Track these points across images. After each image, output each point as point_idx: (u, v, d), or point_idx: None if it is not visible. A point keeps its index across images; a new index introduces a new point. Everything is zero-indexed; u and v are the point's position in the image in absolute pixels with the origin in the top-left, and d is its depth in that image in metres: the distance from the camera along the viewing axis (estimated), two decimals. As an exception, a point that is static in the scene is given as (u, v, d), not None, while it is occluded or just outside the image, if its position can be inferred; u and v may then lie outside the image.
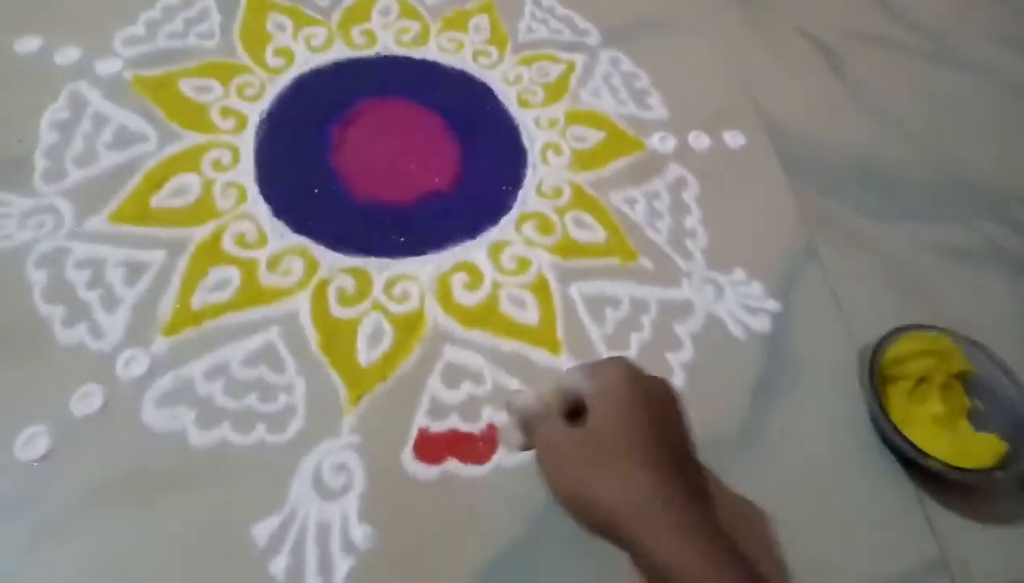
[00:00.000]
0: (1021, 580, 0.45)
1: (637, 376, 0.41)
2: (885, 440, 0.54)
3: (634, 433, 0.38)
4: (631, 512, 0.36)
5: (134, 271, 0.54)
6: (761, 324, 0.58)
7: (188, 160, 0.60)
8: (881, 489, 0.52)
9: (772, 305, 0.59)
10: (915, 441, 0.51)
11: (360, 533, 0.46)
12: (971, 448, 0.53)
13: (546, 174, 0.64)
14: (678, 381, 0.55)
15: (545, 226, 0.61)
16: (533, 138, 0.66)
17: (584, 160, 0.65)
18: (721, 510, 0.40)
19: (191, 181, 0.59)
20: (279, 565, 0.44)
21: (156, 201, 0.58)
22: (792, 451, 0.53)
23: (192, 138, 0.62)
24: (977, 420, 0.54)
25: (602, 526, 0.38)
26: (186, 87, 0.64)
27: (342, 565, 0.45)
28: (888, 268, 0.63)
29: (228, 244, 0.56)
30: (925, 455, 0.50)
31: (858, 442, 0.54)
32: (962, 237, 0.67)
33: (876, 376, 0.54)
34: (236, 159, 0.61)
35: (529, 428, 0.41)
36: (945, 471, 0.50)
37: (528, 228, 0.60)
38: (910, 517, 0.51)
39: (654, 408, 0.40)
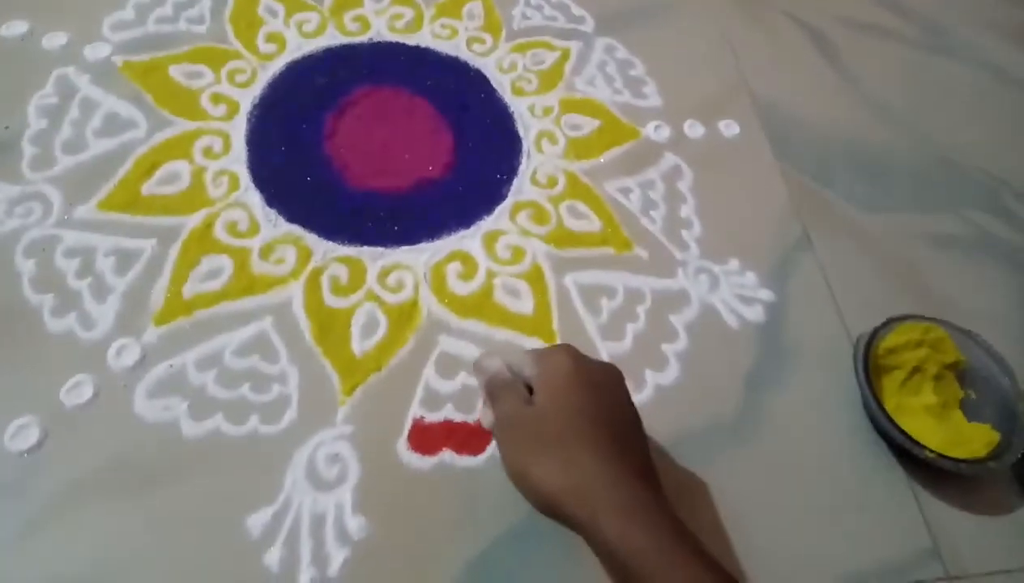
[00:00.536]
0: None
1: (581, 362, 0.41)
2: (878, 430, 0.54)
3: (575, 417, 0.39)
4: (571, 494, 0.37)
5: (124, 260, 0.54)
6: (755, 314, 0.58)
7: (179, 147, 0.59)
8: (874, 479, 0.52)
9: (766, 295, 0.59)
10: (908, 431, 0.51)
11: (355, 524, 0.46)
12: (964, 438, 0.53)
13: (541, 162, 0.64)
14: (672, 371, 0.54)
15: (540, 215, 0.60)
16: (527, 126, 0.66)
17: (579, 148, 0.65)
18: (673, 492, 0.40)
19: (182, 168, 0.58)
20: (273, 557, 0.44)
21: (146, 189, 0.57)
22: (786, 440, 0.53)
23: (183, 125, 0.61)
24: (970, 410, 0.55)
25: (546, 507, 0.38)
26: (176, 73, 0.64)
27: (337, 556, 0.45)
28: (881, 257, 0.63)
29: (220, 232, 0.56)
30: (919, 445, 0.50)
31: (851, 432, 0.54)
32: (954, 226, 0.67)
33: (870, 366, 0.54)
34: (228, 146, 0.60)
35: (493, 394, 0.42)
36: (938, 461, 0.50)
37: (523, 217, 0.60)
38: (903, 507, 0.52)
39: (598, 394, 0.40)
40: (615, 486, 0.37)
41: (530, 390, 0.42)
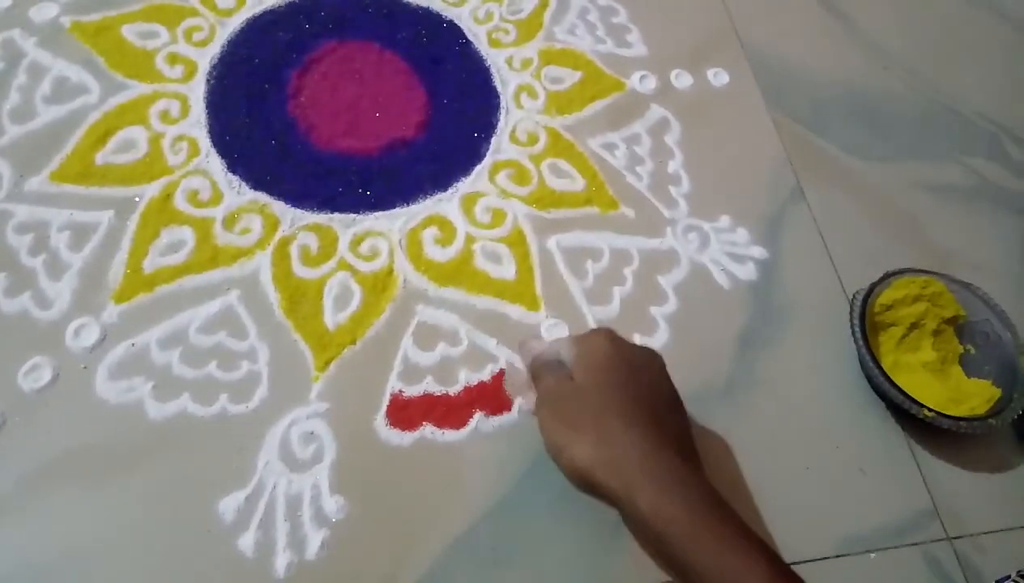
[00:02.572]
0: None
1: (618, 343, 0.42)
2: (875, 389, 0.52)
3: (612, 393, 0.39)
4: (606, 467, 0.37)
5: (80, 234, 0.51)
6: (747, 272, 0.56)
7: (134, 112, 0.56)
8: (872, 439, 0.51)
9: (758, 252, 0.57)
10: (907, 389, 0.49)
11: (332, 504, 0.44)
12: (963, 394, 0.51)
13: (520, 119, 0.60)
14: (662, 335, 0.52)
15: (520, 175, 0.57)
16: (505, 80, 0.62)
17: (560, 103, 0.62)
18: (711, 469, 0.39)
19: (138, 135, 0.55)
20: (247, 541, 0.42)
21: (101, 158, 0.54)
22: (780, 402, 0.51)
23: (137, 88, 0.57)
24: (969, 365, 0.53)
25: (582, 482, 0.38)
26: (129, 33, 0.60)
27: (315, 538, 0.43)
28: (877, 208, 0.61)
29: (180, 202, 0.52)
30: (918, 404, 0.48)
31: (848, 391, 0.52)
32: (953, 174, 0.65)
33: (866, 323, 0.52)
34: (186, 110, 0.57)
35: (536, 374, 0.43)
36: (937, 420, 0.48)
37: (502, 177, 0.57)
38: (901, 466, 0.50)
39: (635, 373, 0.41)
40: (650, 459, 0.37)
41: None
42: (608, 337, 0.42)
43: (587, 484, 0.38)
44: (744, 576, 0.34)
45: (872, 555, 0.46)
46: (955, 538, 0.48)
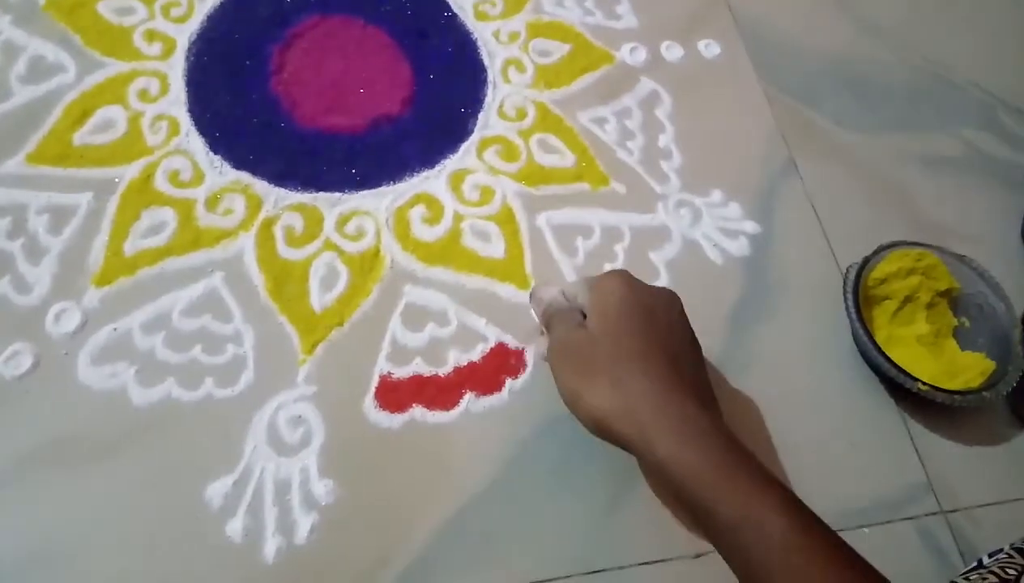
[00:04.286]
0: None
1: (634, 286, 0.41)
2: (869, 363, 0.52)
3: (626, 339, 0.38)
4: (622, 414, 0.36)
5: (59, 217, 0.49)
6: (740, 247, 0.55)
7: (112, 91, 0.55)
8: (866, 414, 0.50)
9: (751, 227, 0.56)
10: (900, 363, 0.49)
11: (322, 488, 0.43)
12: (958, 368, 0.51)
13: (508, 93, 0.59)
14: (654, 311, 0.52)
15: (509, 151, 0.56)
16: (493, 54, 0.61)
17: (549, 76, 0.61)
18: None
19: (116, 114, 0.54)
20: (236, 527, 0.42)
21: (79, 138, 0.52)
22: (773, 377, 0.51)
23: (115, 66, 0.56)
24: (963, 338, 0.53)
25: (598, 429, 0.38)
26: (105, 9, 0.58)
27: (304, 523, 0.42)
28: (870, 181, 0.60)
29: (161, 183, 0.51)
30: (912, 378, 0.48)
31: (841, 366, 0.52)
32: (946, 146, 0.64)
33: (860, 298, 0.51)
34: (165, 88, 0.55)
35: (548, 323, 0.42)
36: (932, 394, 0.48)
37: (490, 154, 0.56)
38: (895, 441, 0.50)
39: (651, 316, 0.40)
40: (666, 405, 0.36)
41: (585, 317, 0.41)
42: (623, 280, 0.41)
43: (603, 432, 0.38)
44: (764, 521, 0.33)
45: (866, 530, 0.46)
46: (949, 512, 0.48)
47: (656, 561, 0.43)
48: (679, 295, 0.43)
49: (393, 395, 0.46)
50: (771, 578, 0.33)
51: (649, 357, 0.38)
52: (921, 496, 0.48)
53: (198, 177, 0.52)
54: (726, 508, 0.34)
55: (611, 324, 0.39)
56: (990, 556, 0.43)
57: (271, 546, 0.41)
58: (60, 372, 0.45)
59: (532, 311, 0.46)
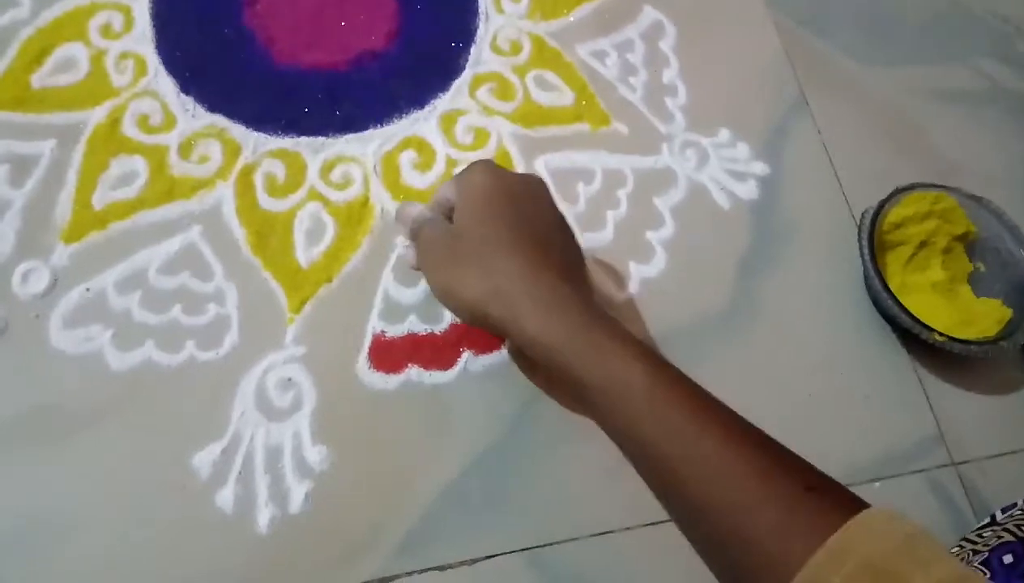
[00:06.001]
0: None
1: (497, 175, 0.40)
2: (882, 312, 0.50)
3: (491, 225, 0.38)
4: (492, 297, 0.37)
5: (20, 167, 0.46)
6: (748, 191, 0.52)
7: (71, 27, 0.50)
8: (878, 364, 0.49)
9: (760, 168, 0.53)
10: (915, 312, 0.47)
11: (315, 454, 0.41)
12: (973, 315, 0.49)
13: (501, 25, 0.55)
14: (659, 261, 0.49)
15: (504, 89, 0.52)
16: (484, -18, 0.56)
17: (545, 6, 0.56)
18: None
19: (78, 52, 0.49)
20: (226, 497, 0.40)
21: (37, 80, 0.48)
22: (783, 327, 0.49)
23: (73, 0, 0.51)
24: (978, 283, 0.51)
25: (472, 316, 0.38)
26: (57, -67, 0.53)
27: (298, 490, 0.40)
28: (883, 117, 0.57)
29: (129, 128, 0.47)
30: (928, 328, 0.46)
31: (851, 313, 0.50)
32: (963, 79, 0.61)
33: (875, 244, 0.49)
34: (129, 23, 0.51)
35: (415, 233, 0.41)
36: (948, 345, 0.46)
37: (484, 93, 0.52)
38: (907, 391, 0.48)
39: (515, 201, 0.39)
40: (534, 284, 0.36)
41: None
42: (486, 169, 0.40)
43: (479, 320, 0.38)
44: (629, 380, 0.34)
45: (877, 485, 0.45)
46: (960, 463, 0.47)
47: (663, 521, 0.42)
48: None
49: (387, 355, 0.44)
50: (639, 431, 0.33)
51: (516, 240, 0.38)
52: (932, 448, 0.47)
53: (169, 121, 0.48)
54: (592, 372, 0.34)
55: (476, 212, 0.39)
56: (1003, 511, 0.43)
57: (264, 516, 0.40)
58: (31, 336, 0.42)
59: (401, 231, 0.44)
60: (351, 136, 0.49)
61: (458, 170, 0.49)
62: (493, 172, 0.40)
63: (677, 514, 0.34)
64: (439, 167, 0.49)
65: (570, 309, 0.36)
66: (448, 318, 0.45)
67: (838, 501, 0.30)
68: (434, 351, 0.44)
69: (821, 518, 0.29)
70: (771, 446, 0.33)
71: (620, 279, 0.48)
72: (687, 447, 0.32)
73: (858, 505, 0.30)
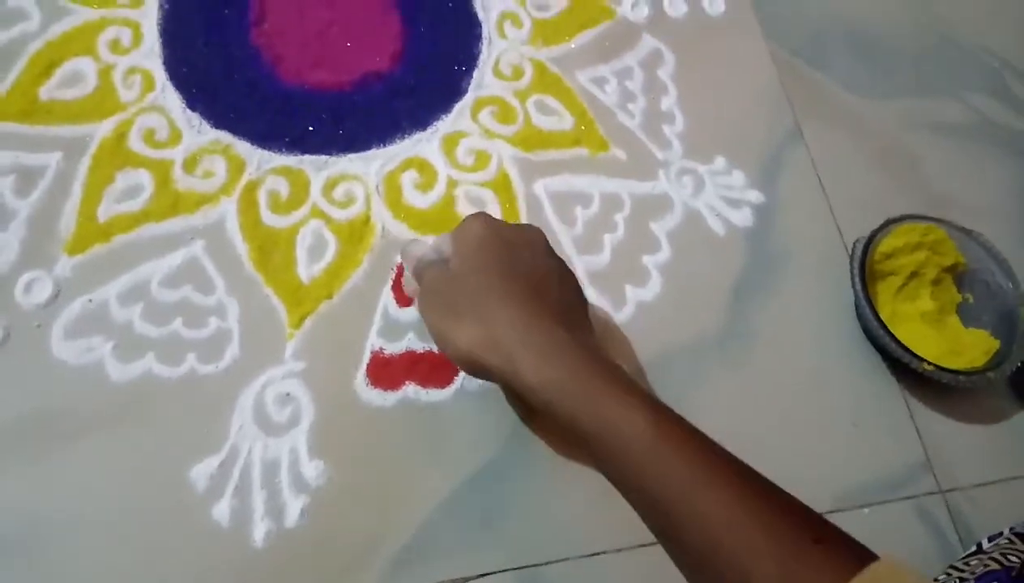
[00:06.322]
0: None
1: (493, 225, 0.41)
2: (872, 340, 0.50)
3: (486, 274, 0.39)
4: (488, 344, 0.37)
5: (26, 179, 0.46)
6: (743, 218, 0.53)
7: (80, 41, 0.51)
8: (867, 391, 0.50)
9: (755, 196, 0.54)
10: (904, 341, 0.48)
11: (312, 469, 0.42)
12: (961, 346, 0.50)
13: (504, 50, 0.56)
14: (655, 285, 0.50)
15: (505, 113, 0.53)
16: (487, 7, 0.57)
17: (547, 32, 0.57)
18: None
19: (86, 67, 0.50)
20: (222, 510, 0.40)
21: (45, 93, 0.49)
22: (775, 352, 0.50)
23: (83, 14, 0.52)
24: (966, 314, 0.52)
25: (469, 365, 0.38)
26: (70, -51, 0.54)
27: (294, 505, 0.41)
28: (876, 149, 0.59)
29: (135, 142, 0.48)
30: (918, 358, 0.47)
31: (842, 341, 0.51)
32: (954, 112, 0.62)
33: (866, 273, 0.50)
34: (138, 38, 0.51)
35: (419, 275, 0.42)
36: (937, 374, 0.47)
37: (485, 116, 0.53)
38: (895, 418, 0.49)
39: (511, 250, 0.40)
40: (529, 330, 0.37)
41: None
42: (483, 221, 0.41)
43: (475, 368, 0.38)
44: (623, 424, 0.34)
45: (865, 511, 0.46)
46: (948, 491, 0.48)
47: (654, 543, 0.42)
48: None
49: (385, 372, 0.44)
50: (641, 480, 0.33)
51: (511, 289, 0.38)
52: (920, 475, 0.48)
53: (175, 136, 0.49)
54: (592, 420, 0.34)
55: (471, 261, 0.39)
56: (990, 540, 0.43)
57: (260, 530, 0.40)
58: (32, 346, 0.42)
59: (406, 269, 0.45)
60: (354, 155, 0.50)
61: (458, 191, 0.50)
62: (488, 223, 0.41)
63: (678, 560, 0.33)
64: (440, 188, 0.50)
65: (567, 355, 0.36)
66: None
67: (845, 555, 0.29)
68: (431, 369, 0.45)
69: (828, 573, 0.28)
70: (777, 495, 0.32)
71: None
72: (690, 496, 0.32)
73: (866, 558, 0.29)
